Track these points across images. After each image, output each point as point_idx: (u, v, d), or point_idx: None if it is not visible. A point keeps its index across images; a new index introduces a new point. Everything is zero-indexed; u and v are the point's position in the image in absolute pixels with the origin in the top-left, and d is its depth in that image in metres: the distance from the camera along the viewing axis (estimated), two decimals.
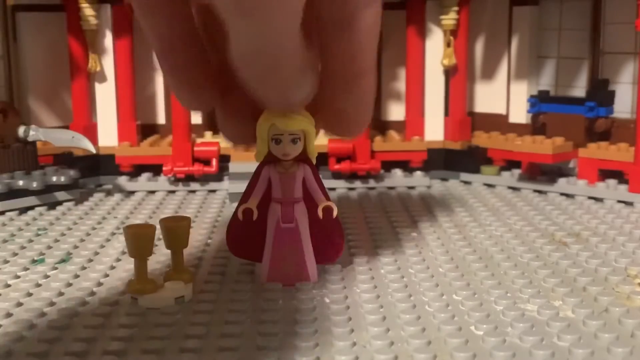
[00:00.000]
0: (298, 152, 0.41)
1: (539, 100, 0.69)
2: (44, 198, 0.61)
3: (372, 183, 0.68)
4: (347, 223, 0.56)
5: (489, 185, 0.69)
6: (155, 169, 0.69)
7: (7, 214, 0.59)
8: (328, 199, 0.43)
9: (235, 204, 0.62)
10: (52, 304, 0.40)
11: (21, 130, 0.62)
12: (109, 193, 0.67)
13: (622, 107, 0.67)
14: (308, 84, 0.38)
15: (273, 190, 0.42)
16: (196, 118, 0.73)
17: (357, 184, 0.68)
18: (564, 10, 0.70)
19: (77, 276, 0.45)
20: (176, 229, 0.41)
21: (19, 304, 0.40)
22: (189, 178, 0.68)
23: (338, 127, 0.42)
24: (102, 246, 0.51)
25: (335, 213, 0.42)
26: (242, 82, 0.35)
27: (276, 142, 0.41)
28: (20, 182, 0.60)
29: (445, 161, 0.72)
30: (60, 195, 0.62)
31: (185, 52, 0.39)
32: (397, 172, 0.70)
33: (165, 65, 0.40)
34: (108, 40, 0.70)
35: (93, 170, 0.70)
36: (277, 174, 0.42)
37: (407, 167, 0.70)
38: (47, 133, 0.62)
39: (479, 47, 0.74)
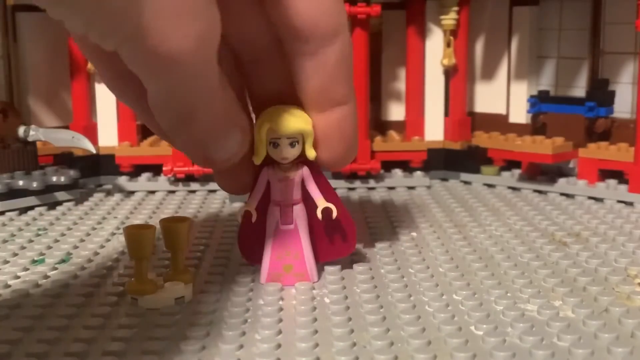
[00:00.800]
0: (296, 155, 0.41)
1: (539, 100, 0.69)
2: (44, 198, 0.61)
3: (372, 183, 0.68)
4: None
5: (489, 185, 0.69)
6: (155, 169, 0.69)
7: (7, 214, 0.59)
8: (335, 197, 0.43)
9: (235, 204, 0.62)
10: (51, 304, 0.40)
11: (21, 130, 0.62)
12: (109, 193, 0.67)
13: (622, 107, 0.67)
14: (233, 140, 0.37)
15: (272, 193, 0.42)
16: None
17: (357, 184, 0.68)
18: (564, 10, 0.70)
19: (77, 276, 0.45)
20: (176, 229, 0.41)
21: (19, 304, 0.40)
22: (189, 178, 0.68)
23: (321, 158, 0.41)
24: (102, 246, 0.51)
25: (334, 214, 0.42)
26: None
27: (274, 145, 0.41)
28: (20, 182, 0.60)
29: (445, 161, 0.72)
30: (60, 195, 0.62)
31: None
32: (397, 172, 0.70)
33: (145, 120, 0.40)
34: None
35: (93, 170, 0.70)
36: (275, 176, 0.42)
37: (407, 167, 0.70)
38: (47, 133, 0.62)
39: (479, 47, 0.74)
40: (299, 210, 0.43)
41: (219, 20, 0.32)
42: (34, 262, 0.48)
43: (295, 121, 0.40)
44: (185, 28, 0.30)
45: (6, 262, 0.47)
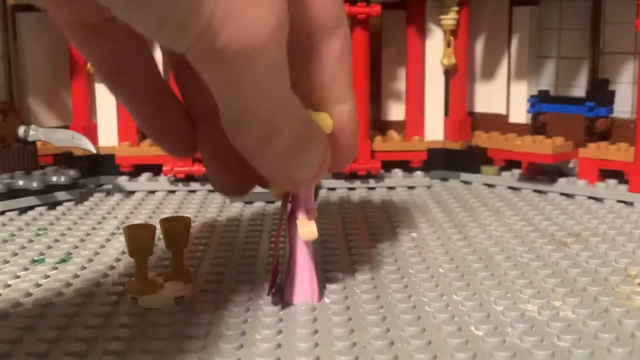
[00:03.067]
0: None
1: (539, 100, 0.69)
2: (44, 198, 0.61)
3: (372, 183, 0.68)
4: (347, 223, 0.56)
5: (489, 185, 0.69)
6: (155, 169, 0.69)
7: (7, 214, 0.59)
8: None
9: (235, 204, 0.62)
10: (52, 304, 0.40)
11: (21, 130, 0.62)
12: (109, 193, 0.67)
13: (622, 107, 0.67)
14: (316, 155, 0.34)
15: (307, 201, 0.39)
16: None
17: (357, 184, 0.68)
18: (564, 10, 0.70)
19: (77, 276, 0.45)
20: (176, 229, 0.41)
21: (19, 304, 0.40)
22: (189, 178, 0.68)
23: None
24: (102, 246, 0.51)
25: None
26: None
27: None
28: (20, 182, 0.60)
29: (445, 161, 0.72)
30: (60, 195, 0.62)
31: (157, 108, 0.37)
32: (397, 172, 0.70)
33: (139, 120, 0.38)
34: None
35: (93, 170, 0.70)
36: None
37: (407, 167, 0.70)
38: (47, 133, 0.62)
39: (479, 47, 0.74)
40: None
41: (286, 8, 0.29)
42: (34, 262, 0.48)
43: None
44: (266, 12, 0.28)
45: (6, 262, 0.47)
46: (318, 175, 0.35)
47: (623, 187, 0.62)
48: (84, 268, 0.46)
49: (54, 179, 0.62)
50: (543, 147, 0.65)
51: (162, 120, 0.38)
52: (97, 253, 0.49)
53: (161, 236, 0.42)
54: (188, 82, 0.37)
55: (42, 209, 0.60)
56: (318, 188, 0.67)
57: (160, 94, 0.37)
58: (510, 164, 0.68)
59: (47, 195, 0.61)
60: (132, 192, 0.67)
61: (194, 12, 0.27)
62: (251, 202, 0.62)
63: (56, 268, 0.46)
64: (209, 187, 0.68)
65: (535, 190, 0.66)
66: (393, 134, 0.73)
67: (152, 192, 0.68)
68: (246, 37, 0.28)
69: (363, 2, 0.65)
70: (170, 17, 0.27)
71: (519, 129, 0.71)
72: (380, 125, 0.75)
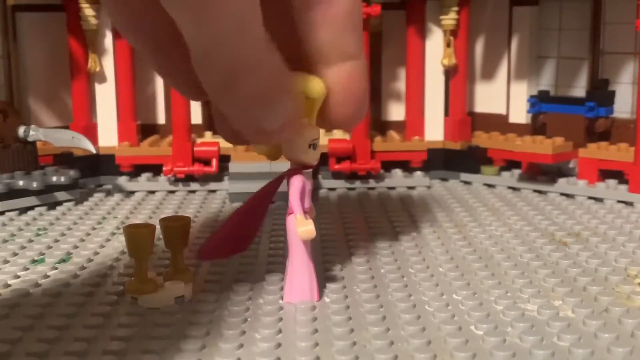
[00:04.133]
0: None
1: (539, 100, 0.69)
2: (44, 198, 0.61)
3: (372, 183, 0.68)
4: (347, 223, 0.56)
5: (489, 185, 0.69)
6: (155, 169, 0.69)
7: (7, 214, 0.59)
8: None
9: (235, 205, 0.62)
10: (51, 304, 0.40)
11: (21, 130, 0.62)
12: (109, 193, 0.67)
13: (622, 107, 0.67)
14: (284, 108, 0.33)
15: (305, 200, 0.39)
16: (196, 118, 0.73)
17: (357, 184, 0.68)
18: (564, 10, 0.70)
19: (77, 276, 0.45)
20: (176, 229, 0.41)
21: (19, 304, 0.40)
22: (189, 178, 0.68)
23: (330, 116, 0.38)
24: (102, 246, 0.51)
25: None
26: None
27: (314, 147, 0.38)
28: (20, 182, 0.60)
29: (445, 161, 0.72)
30: (60, 195, 0.62)
31: (171, 51, 0.36)
32: (397, 172, 0.70)
33: (155, 65, 0.38)
34: (108, 40, 0.70)
35: (93, 170, 0.70)
36: (308, 181, 0.39)
37: (407, 167, 0.70)
38: (47, 133, 0.62)
39: (479, 47, 0.74)
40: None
41: None
42: (34, 262, 0.48)
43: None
44: None
45: (6, 262, 0.47)
46: (285, 130, 0.34)
47: (623, 187, 0.62)
48: (84, 268, 0.46)
49: (54, 179, 0.62)
50: (543, 147, 0.65)
51: (174, 64, 0.37)
52: (97, 253, 0.49)
53: (161, 236, 0.42)
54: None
55: (42, 209, 0.60)
56: (317, 188, 0.67)
57: (172, 40, 0.36)
58: (510, 164, 0.68)
59: (47, 195, 0.61)
60: (132, 192, 0.67)
61: None
62: None
63: (56, 268, 0.46)
64: (209, 187, 0.68)
65: (535, 190, 0.66)
66: (393, 134, 0.73)
67: (152, 192, 0.68)
68: None
69: (363, 2, 0.65)
70: None
71: (519, 129, 0.71)
72: (380, 125, 0.75)
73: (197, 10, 0.28)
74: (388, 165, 0.70)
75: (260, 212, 0.41)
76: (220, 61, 0.31)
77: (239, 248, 0.42)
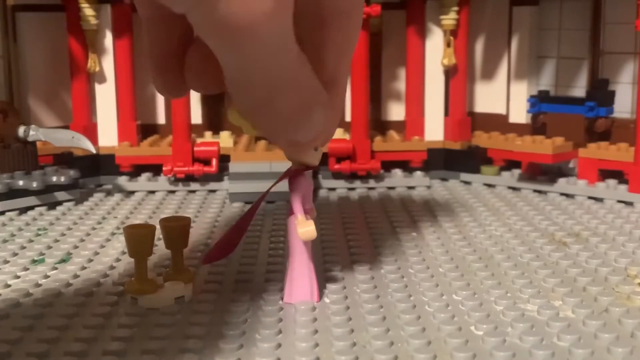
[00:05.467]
0: None
1: (539, 100, 0.69)
2: (44, 198, 0.61)
3: (372, 183, 0.68)
4: (347, 223, 0.56)
5: (489, 185, 0.69)
6: (155, 169, 0.69)
7: (7, 214, 0.59)
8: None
9: (235, 204, 0.62)
10: (51, 304, 0.40)
11: (21, 130, 0.62)
12: (109, 193, 0.67)
13: (622, 107, 0.67)
14: (317, 119, 0.33)
15: (306, 202, 0.40)
16: (196, 118, 0.73)
17: (357, 184, 0.68)
18: (564, 10, 0.70)
19: (77, 276, 0.45)
20: (176, 229, 0.41)
21: (19, 304, 0.40)
22: (189, 178, 0.68)
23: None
24: (102, 246, 0.51)
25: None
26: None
27: (316, 148, 0.38)
28: (20, 182, 0.60)
29: (445, 161, 0.72)
30: (60, 195, 0.62)
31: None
32: (397, 172, 0.70)
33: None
34: (108, 40, 0.70)
35: (93, 170, 0.70)
36: (310, 182, 0.40)
37: (407, 167, 0.70)
38: (47, 133, 0.62)
39: (479, 47, 0.74)
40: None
41: None
42: (34, 262, 0.48)
43: None
44: None
45: (6, 262, 0.47)
46: (318, 139, 0.35)
47: (623, 187, 0.62)
48: (84, 268, 0.46)
49: (54, 179, 0.62)
50: (543, 147, 0.65)
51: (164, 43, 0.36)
52: (97, 253, 0.49)
53: (161, 236, 0.42)
54: None
55: (42, 209, 0.60)
56: (317, 188, 0.67)
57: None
58: (510, 164, 0.68)
59: (47, 195, 0.61)
60: (132, 192, 0.67)
61: None
62: (251, 202, 0.62)
63: (56, 268, 0.46)
64: (209, 187, 0.68)
65: (535, 190, 0.66)
66: (393, 134, 0.73)
67: (152, 192, 0.68)
68: (241, 14, 0.27)
69: (363, 2, 0.65)
70: None
71: (519, 129, 0.71)
72: (380, 125, 0.75)
73: (233, 38, 0.28)
74: (388, 165, 0.70)
75: (251, 210, 0.41)
76: (256, 83, 0.31)
77: (230, 249, 0.43)
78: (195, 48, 0.35)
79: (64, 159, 0.68)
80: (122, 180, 0.69)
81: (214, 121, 0.76)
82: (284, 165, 0.40)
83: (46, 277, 0.45)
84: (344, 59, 0.36)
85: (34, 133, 0.62)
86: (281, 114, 0.32)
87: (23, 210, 0.60)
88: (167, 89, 0.37)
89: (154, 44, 0.36)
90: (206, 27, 0.28)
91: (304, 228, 0.39)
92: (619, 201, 0.61)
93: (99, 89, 0.71)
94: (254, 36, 0.28)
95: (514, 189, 0.67)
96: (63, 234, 0.54)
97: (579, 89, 0.70)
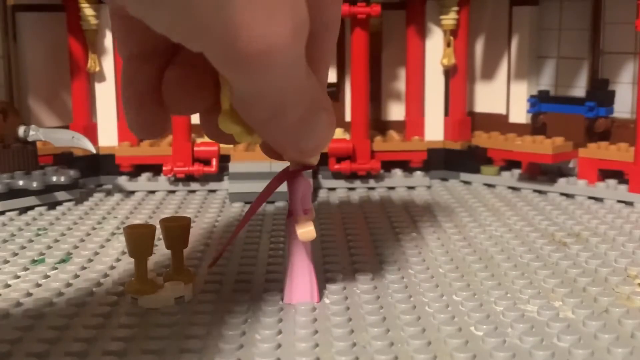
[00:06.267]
0: None
1: (539, 100, 0.69)
2: (44, 198, 0.61)
3: (372, 183, 0.68)
4: (347, 223, 0.56)
5: (489, 185, 0.69)
6: (155, 169, 0.69)
7: (7, 214, 0.59)
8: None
9: (235, 204, 0.62)
10: (52, 304, 0.40)
11: (21, 130, 0.62)
12: (109, 193, 0.67)
13: (622, 107, 0.67)
14: (322, 125, 0.34)
15: (305, 202, 0.39)
16: (196, 118, 0.73)
17: (357, 184, 0.68)
18: (564, 10, 0.70)
19: (77, 276, 0.45)
20: (176, 229, 0.41)
21: (19, 304, 0.40)
22: (189, 178, 0.68)
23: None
24: (102, 246, 0.51)
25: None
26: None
27: None
28: (20, 182, 0.60)
29: (445, 161, 0.72)
30: (60, 195, 0.62)
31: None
32: (397, 172, 0.70)
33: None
34: (108, 40, 0.70)
35: (93, 170, 0.70)
36: (309, 184, 0.39)
37: (407, 167, 0.70)
38: (47, 133, 0.62)
39: (479, 47, 0.74)
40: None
41: (306, 9, 0.29)
42: (34, 262, 0.48)
43: None
44: (282, 22, 0.28)
45: (6, 262, 0.47)
46: (323, 145, 0.35)
47: (623, 187, 0.62)
48: (84, 268, 0.46)
49: (54, 179, 0.62)
50: (543, 147, 0.65)
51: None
52: (97, 253, 0.49)
53: (161, 236, 0.42)
54: (123, 25, 0.35)
55: (42, 209, 0.60)
56: (317, 188, 0.67)
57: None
58: (510, 164, 0.68)
59: (47, 195, 0.61)
60: (132, 192, 0.67)
61: (211, 16, 0.27)
62: (251, 203, 0.62)
63: (56, 268, 0.46)
64: (209, 187, 0.68)
65: (535, 190, 0.66)
66: (393, 134, 0.73)
67: (152, 192, 0.68)
68: (261, 46, 0.28)
69: (363, 2, 0.65)
70: (186, 20, 0.27)
71: (519, 129, 0.71)
72: (380, 125, 0.75)
73: (251, 68, 0.28)
74: (388, 165, 0.70)
75: (252, 209, 0.41)
76: (268, 100, 0.31)
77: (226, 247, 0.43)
78: (171, 71, 0.35)
79: (64, 159, 0.68)
80: (122, 180, 0.69)
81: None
82: (284, 165, 0.40)
83: (46, 277, 0.45)
84: (327, 67, 0.37)
85: (34, 133, 0.62)
86: (290, 124, 0.33)
87: (23, 210, 0.60)
88: (147, 127, 0.36)
89: (132, 83, 0.36)
90: (225, 60, 0.29)
91: (303, 229, 0.39)
92: (619, 201, 0.61)
93: (99, 89, 0.71)
94: (271, 63, 0.28)
95: (514, 189, 0.67)
96: (63, 234, 0.54)
97: (579, 89, 0.70)
